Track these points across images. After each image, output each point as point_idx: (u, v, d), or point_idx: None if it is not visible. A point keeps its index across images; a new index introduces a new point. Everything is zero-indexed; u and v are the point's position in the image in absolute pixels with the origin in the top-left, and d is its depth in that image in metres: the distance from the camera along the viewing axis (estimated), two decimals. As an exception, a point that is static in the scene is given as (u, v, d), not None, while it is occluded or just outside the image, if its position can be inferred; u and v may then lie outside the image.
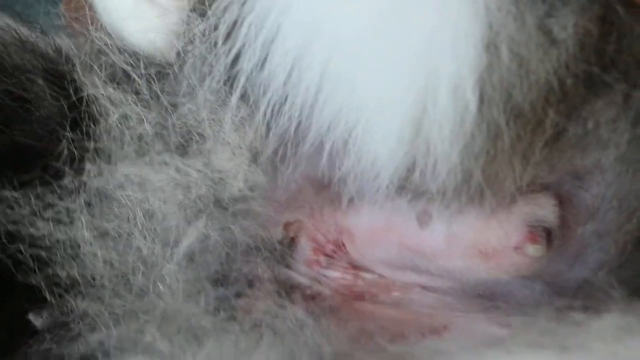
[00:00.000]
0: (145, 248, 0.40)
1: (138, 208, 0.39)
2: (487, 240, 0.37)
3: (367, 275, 0.40)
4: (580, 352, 0.31)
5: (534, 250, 0.36)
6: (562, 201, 0.37)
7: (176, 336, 0.38)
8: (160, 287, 0.40)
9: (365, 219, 0.39)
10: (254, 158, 0.39)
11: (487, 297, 0.38)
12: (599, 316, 0.32)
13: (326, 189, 0.40)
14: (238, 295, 0.40)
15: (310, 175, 0.40)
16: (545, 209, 0.36)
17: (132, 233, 0.39)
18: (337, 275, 0.40)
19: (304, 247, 0.41)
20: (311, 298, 0.40)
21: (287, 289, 0.40)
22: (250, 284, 0.40)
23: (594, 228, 0.36)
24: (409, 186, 0.37)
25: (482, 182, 0.34)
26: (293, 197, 0.41)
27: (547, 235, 0.37)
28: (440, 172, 0.35)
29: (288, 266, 0.41)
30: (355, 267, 0.40)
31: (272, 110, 0.37)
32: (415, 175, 0.36)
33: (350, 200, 0.39)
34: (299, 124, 0.37)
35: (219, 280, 0.40)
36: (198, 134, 0.39)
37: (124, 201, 0.39)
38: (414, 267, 0.39)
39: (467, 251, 0.37)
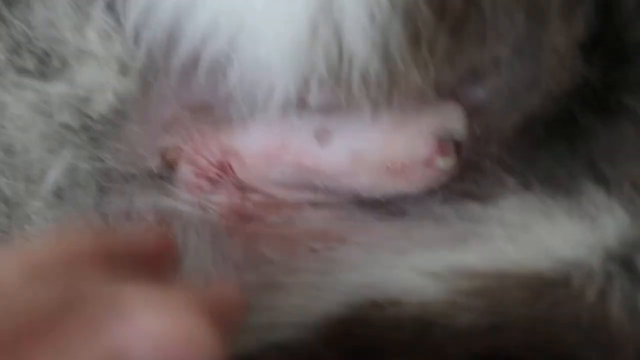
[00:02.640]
0: (7, 186, 0.36)
1: (-6, 140, 0.35)
2: (396, 156, 0.35)
3: (255, 197, 0.38)
4: (478, 240, 0.30)
5: (444, 163, 0.35)
6: (468, 110, 0.35)
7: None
8: (27, 227, 0.36)
9: (256, 139, 0.36)
10: (123, 71, 0.36)
11: (383, 206, 0.37)
12: (496, 204, 0.32)
13: (206, 110, 0.37)
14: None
15: (186, 95, 0.37)
16: (453, 119, 0.35)
17: (-10, 170, 0.36)
18: (222, 199, 0.38)
19: (185, 172, 0.38)
20: (194, 225, 0.37)
21: (169, 218, 0.37)
22: (128, 216, 0.37)
23: (485, 121, 0.35)
24: (305, 100, 0.34)
25: (390, 80, 0.32)
26: (169, 120, 0.38)
27: (456, 146, 0.35)
28: (347, 74, 0.32)
29: (168, 194, 0.38)
30: (242, 188, 0.38)
31: (140, 18, 0.33)
32: (313, 85, 0.33)
33: (237, 120, 0.36)
34: (170, 33, 0.34)
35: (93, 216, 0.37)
36: (59, 49, 0.35)
37: (-24, 132, 0.35)
38: (311, 186, 0.37)
39: (374, 168, 0.35)
